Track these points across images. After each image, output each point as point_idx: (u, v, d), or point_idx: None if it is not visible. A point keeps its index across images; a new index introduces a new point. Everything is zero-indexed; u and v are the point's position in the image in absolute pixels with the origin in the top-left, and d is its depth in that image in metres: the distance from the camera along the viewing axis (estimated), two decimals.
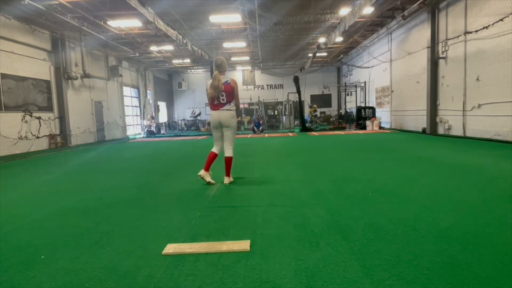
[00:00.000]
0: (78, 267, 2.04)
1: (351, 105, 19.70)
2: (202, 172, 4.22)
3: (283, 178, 4.69)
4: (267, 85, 25.92)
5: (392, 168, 5.25)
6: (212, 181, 4.25)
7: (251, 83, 25.07)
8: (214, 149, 4.32)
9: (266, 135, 15.18)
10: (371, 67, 17.79)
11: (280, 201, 3.44)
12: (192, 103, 25.37)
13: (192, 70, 24.99)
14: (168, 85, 26.01)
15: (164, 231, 2.63)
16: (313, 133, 15.27)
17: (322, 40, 15.53)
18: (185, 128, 21.19)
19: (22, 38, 10.44)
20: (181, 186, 4.33)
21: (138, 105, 20.35)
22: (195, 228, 2.67)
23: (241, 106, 24.92)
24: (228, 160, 4.24)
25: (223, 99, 4.14)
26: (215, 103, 4.17)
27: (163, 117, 24.03)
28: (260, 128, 16.79)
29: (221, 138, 4.31)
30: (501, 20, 8.12)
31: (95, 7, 10.47)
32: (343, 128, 17.22)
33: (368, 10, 11.02)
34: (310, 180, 4.45)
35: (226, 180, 4.26)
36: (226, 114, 4.16)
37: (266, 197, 3.60)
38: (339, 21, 12.62)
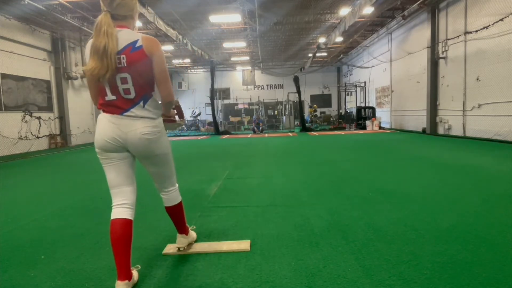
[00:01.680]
0: (78, 267, 2.04)
1: (351, 105, 19.69)
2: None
3: (283, 178, 4.69)
4: (267, 85, 25.91)
5: (392, 168, 5.25)
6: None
7: (251, 83, 25.05)
8: (119, 211, 1.88)
9: (266, 135, 15.18)
10: (371, 67, 17.79)
11: (280, 201, 3.44)
12: (192, 103, 25.35)
13: (192, 70, 24.98)
14: None
15: (164, 231, 2.63)
16: (313, 133, 15.27)
17: (322, 40, 15.53)
18: (185, 128, 21.19)
19: (22, 38, 10.44)
20: (181, 186, 4.32)
21: None
22: (195, 228, 2.67)
23: (241, 106, 24.91)
24: (176, 209, 2.12)
25: (127, 90, 1.72)
26: (106, 100, 1.75)
27: None
28: (260, 128, 16.80)
29: (127, 175, 1.88)
30: (501, 20, 8.12)
31: (95, 7, 10.46)
32: (343, 128, 17.23)
33: (368, 10, 11.01)
34: (310, 180, 4.44)
35: (181, 240, 2.20)
36: (138, 129, 1.75)
37: (266, 197, 3.60)
38: (339, 21, 12.62)
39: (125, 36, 1.70)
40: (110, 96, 1.73)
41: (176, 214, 2.13)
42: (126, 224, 1.81)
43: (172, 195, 2.07)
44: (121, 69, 1.68)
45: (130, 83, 1.70)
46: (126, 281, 1.69)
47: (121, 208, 1.85)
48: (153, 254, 2.20)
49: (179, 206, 2.11)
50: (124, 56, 1.68)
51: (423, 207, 3.01)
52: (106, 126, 1.73)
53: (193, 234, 2.33)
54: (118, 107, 1.72)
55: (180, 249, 2.20)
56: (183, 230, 2.19)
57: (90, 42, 1.73)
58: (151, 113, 1.78)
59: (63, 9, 9.98)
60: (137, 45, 1.69)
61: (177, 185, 2.13)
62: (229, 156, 7.58)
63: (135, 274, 1.82)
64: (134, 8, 1.82)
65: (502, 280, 1.71)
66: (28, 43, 10.73)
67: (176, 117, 2.13)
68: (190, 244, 2.26)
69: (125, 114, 1.72)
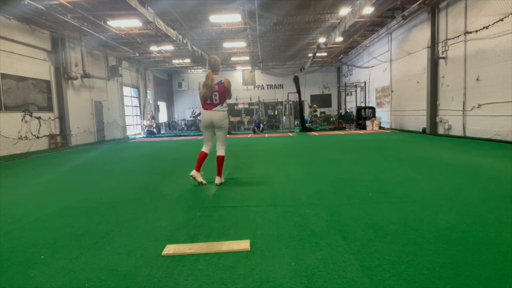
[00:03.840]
0: (78, 267, 2.04)
1: (351, 105, 19.70)
2: (193, 172, 4.18)
3: (283, 178, 4.69)
4: (267, 85, 25.92)
5: (392, 168, 5.25)
6: (203, 181, 4.21)
7: (251, 83, 25.06)
8: (204, 149, 4.28)
9: (266, 135, 15.18)
10: (371, 67, 17.79)
11: (280, 201, 3.44)
12: (192, 103, 25.38)
13: (192, 70, 24.99)
14: (168, 85, 26.01)
15: (164, 231, 2.63)
16: (313, 133, 15.27)
17: (322, 40, 15.53)
18: (185, 128, 21.19)
19: (22, 38, 10.44)
20: (181, 186, 4.33)
21: (138, 105, 20.35)
22: (195, 228, 2.67)
23: (241, 106, 25.07)
24: (221, 160, 4.24)
25: (216, 99, 4.13)
26: (207, 103, 4.15)
27: (163, 117, 24.04)
28: (260, 128, 16.80)
29: (212, 137, 4.31)
30: (501, 20, 8.12)
31: (95, 7, 10.47)
32: (343, 128, 17.23)
33: (368, 10, 11.01)
34: (310, 180, 4.45)
35: (217, 180, 4.23)
36: (219, 114, 4.16)
37: (266, 197, 3.60)
38: (339, 21, 12.62)
39: (217, 79, 4.19)
40: (208, 102, 4.19)
41: (220, 162, 4.26)
42: (204, 154, 4.29)
43: (222, 150, 4.29)
44: (214, 91, 4.15)
45: (218, 96, 4.17)
46: (194, 171, 4.21)
47: (205, 147, 4.33)
48: (153, 254, 2.20)
49: (223, 158, 4.28)
50: (216, 86, 4.15)
51: (423, 207, 3.01)
52: (207, 114, 4.19)
53: (222, 179, 4.31)
54: (211, 105, 4.19)
55: (217, 184, 4.20)
56: (220, 174, 4.29)
57: (202, 80, 4.16)
58: (224, 108, 4.24)
59: (63, 9, 9.99)
60: (222, 81, 4.20)
61: (225, 148, 4.32)
62: (229, 156, 7.55)
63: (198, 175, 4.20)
64: (220, 66, 4.33)
65: (502, 280, 1.71)
66: (28, 43, 10.73)
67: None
68: (221, 183, 4.24)
69: (213, 109, 4.19)
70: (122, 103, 17.49)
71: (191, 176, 4.18)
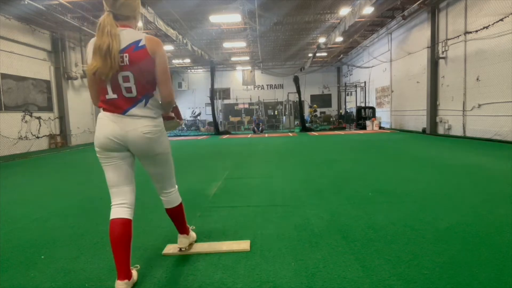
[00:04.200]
0: (78, 267, 2.04)
1: (351, 105, 19.69)
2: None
3: (283, 178, 4.69)
4: (267, 85, 25.90)
5: (392, 168, 5.25)
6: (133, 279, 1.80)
7: (251, 83, 25.05)
8: (119, 211, 1.85)
9: (266, 135, 15.18)
10: (371, 67, 17.79)
11: (280, 201, 3.44)
12: (192, 103, 25.35)
13: (192, 70, 24.98)
14: None
15: (164, 231, 2.63)
16: (313, 133, 15.27)
17: (322, 40, 15.52)
18: (185, 128, 21.19)
19: (22, 38, 10.44)
20: (181, 186, 4.31)
21: None
22: (195, 228, 2.67)
23: (241, 106, 24.90)
24: (177, 211, 2.10)
25: (128, 89, 1.71)
26: (107, 98, 1.73)
27: None
28: (260, 128, 16.81)
29: (128, 177, 1.88)
30: (501, 20, 8.12)
31: (95, 7, 10.46)
32: (343, 128, 17.23)
33: (368, 10, 11.01)
34: (310, 180, 4.44)
35: (183, 240, 2.20)
36: (139, 127, 1.73)
37: (266, 197, 3.60)
38: (339, 21, 12.62)
39: (128, 36, 1.69)
40: (111, 95, 1.70)
41: (177, 216, 2.11)
42: (125, 223, 1.79)
43: (172, 197, 2.04)
44: (124, 68, 1.66)
45: (132, 81, 1.69)
46: (126, 281, 1.68)
47: (120, 208, 1.83)
48: (153, 254, 2.20)
49: (179, 207, 2.09)
50: (127, 54, 1.66)
51: (423, 207, 3.01)
52: (107, 125, 1.71)
53: (193, 234, 2.32)
54: (119, 106, 1.71)
55: (182, 249, 2.20)
56: (184, 231, 2.18)
57: (92, 41, 1.71)
58: (152, 112, 1.77)
59: (63, 9, 9.98)
60: (140, 44, 1.68)
61: (176, 186, 2.10)
62: (229, 156, 7.58)
63: (134, 273, 1.82)
64: (137, 8, 1.82)
65: (502, 280, 1.71)
66: (28, 43, 10.72)
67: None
68: (190, 244, 2.26)
69: (126, 114, 1.71)
70: None
71: None
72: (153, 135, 1.77)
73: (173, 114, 2.04)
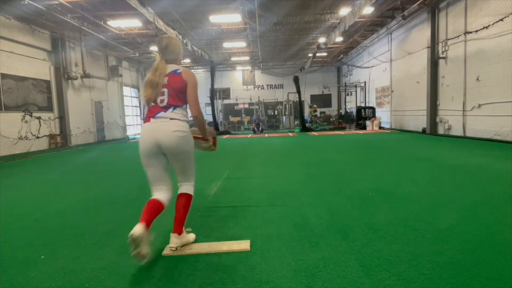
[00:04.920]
0: (78, 267, 2.04)
1: (351, 105, 19.69)
2: (137, 230, 1.95)
3: (283, 178, 4.69)
4: (267, 85, 25.90)
5: (392, 168, 5.24)
6: (145, 252, 1.99)
7: (251, 83, 25.05)
8: (157, 195, 2.25)
9: (266, 135, 15.18)
10: (371, 67, 17.79)
11: (280, 201, 3.44)
12: None
13: (192, 70, 24.89)
14: None
15: (164, 232, 2.62)
16: (313, 133, 15.27)
17: (322, 40, 15.52)
18: None
19: (22, 38, 10.44)
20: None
21: (138, 105, 20.36)
22: (195, 228, 2.67)
23: (241, 106, 24.92)
24: (184, 202, 2.29)
25: (162, 101, 2.22)
26: (151, 106, 2.27)
27: None
28: (260, 128, 16.81)
29: (163, 173, 2.28)
30: (501, 20, 8.12)
31: (95, 7, 10.47)
32: (343, 128, 17.23)
33: (368, 10, 11.01)
34: (310, 180, 4.44)
35: (174, 240, 2.24)
36: (169, 128, 2.18)
37: (266, 197, 3.60)
38: (339, 21, 12.61)
39: (171, 68, 2.30)
40: (151, 104, 2.26)
41: (180, 207, 2.27)
42: (156, 204, 2.21)
43: (186, 186, 2.34)
44: (163, 87, 2.24)
45: (166, 96, 2.23)
46: (143, 228, 1.98)
47: (156, 192, 2.28)
48: (153, 254, 2.19)
49: (186, 197, 2.30)
50: (167, 77, 2.26)
51: (423, 207, 3.01)
52: (147, 129, 2.23)
53: (188, 237, 2.37)
54: (153, 111, 2.24)
55: (172, 248, 2.22)
56: (178, 229, 2.24)
57: (148, 76, 2.28)
58: (180, 115, 2.24)
59: (63, 9, 9.99)
60: (178, 71, 2.28)
61: (193, 183, 2.39)
62: (229, 156, 7.58)
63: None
64: (179, 54, 2.41)
65: (502, 280, 1.71)
66: (28, 43, 10.72)
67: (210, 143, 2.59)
68: (185, 246, 2.29)
69: (158, 117, 2.21)
70: (122, 103, 17.49)
71: (131, 237, 1.93)
72: (178, 135, 2.21)
73: (211, 138, 2.59)
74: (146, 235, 2.00)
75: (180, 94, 2.25)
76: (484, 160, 5.65)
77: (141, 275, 1.90)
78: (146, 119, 2.26)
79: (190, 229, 2.53)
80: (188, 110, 2.30)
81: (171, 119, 2.20)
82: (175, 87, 2.24)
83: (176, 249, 2.23)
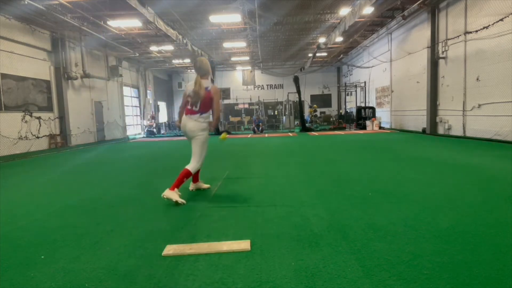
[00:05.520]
0: (78, 267, 2.04)
1: (351, 105, 19.70)
2: (165, 192, 3.42)
3: (283, 178, 4.69)
4: (267, 85, 25.91)
5: (392, 168, 5.25)
6: (181, 201, 3.39)
7: (251, 83, 25.06)
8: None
9: (266, 135, 15.18)
10: (371, 67, 17.79)
11: (280, 201, 3.44)
12: None
13: (192, 70, 24.97)
14: (168, 85, 26.02)
15: (164, 231, 2.63)
16: (313, 133, 15.27)
17: (322, 40, 15.52)
18: None
19: (22, 38, 10.44)
20: (181, 186, 4.32)
21: (138, 105, 20.35)
22: (195, 228, 2.67)
23: (241, 106, 25.02)
24: (183, 173, 3.47)
25: (195, 108, 3.58)
26: (188, 108, 3.64)
27: (163, 117, 24.03)
28: (260, 128, 16.81)
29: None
30: (501, 20, 8.12)
31: (95, 7, 10.47)
32: (343, 128, 17.23)
33: (368, 10, 11.01)
34: (310, 180, 4.44)
35: (167, 192, 3.39)
36: (192, 124, 3.57)
37: (266, 197, 3.60)
38: (339, 21, 12.62)
39: (205, 84, 3.58)
40: (189, 107, 3.63)
41: (181, 175, 3.48)
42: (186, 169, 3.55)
43: (191, 164, 3.58)
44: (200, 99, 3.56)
45: (199, 105, 3.56)
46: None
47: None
48: (153, 254, 2.20)
49: (186, 172, 3.51)
50: (203, 93, 3.53)
51: (423, 207, 3.01)
52: (183, 121, 3.66)
53: (175, 194, 3.41)
54: (190, 113, 3.61)
55: (163, 196, 3.37)
56: (173, 187, 3.44)
57: (190, 85, 3.66)
58: (201, 119, 3.60)
59: (63, 9, 9.99)
60: (208, 88, 3.57)
61: (194, 164, 3.59)
62: (229, 156, 7.58)
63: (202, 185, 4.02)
64: (208, 70, 3.66)
65: (502, 280, 1.71)
66: (28, 43, 10.72)
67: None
68: (168, 198, 3.38)
69: (190, 116, 3.60)
70: (122, 103, 17.48)
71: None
72: (196, 128, 3.59)
73: (224, 130, 3.91)
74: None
75: (207, 104, 3.59)
76: (484, 160, 5.65)
77: (141, 275, 1.90)
78: (186, 113, 3.64)
79: (178, 196, 3.46)
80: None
81: (196, 120, 3.58)
82: (205, 100, 3.57)
83: (166, 198, 3.37)
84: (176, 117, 25.67)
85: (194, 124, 3.57)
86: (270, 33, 14.93)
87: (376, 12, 12.04)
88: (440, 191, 3.60)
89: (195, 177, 3.97)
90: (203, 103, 3.55)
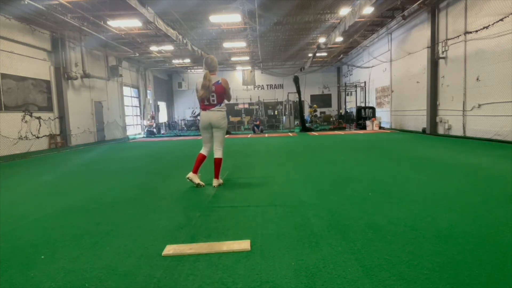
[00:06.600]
0: (78, 267, 2.04)
1: (351, 105, 19.70)
2: (190, 175, 4.15)
3: (283, 178, 4.69)
4: (267, 85, 25.91)
5: (392, 168, 5.25)
6: (201, 183, 4.16)
7: (251, 83, 25.06)
8: (203, 151, 4.25)
9: (266, 135, 15.18)
10: (371, 67, 17.79)
11: (280, 201, 3.44)
12: (192, 103, 25.35)
13: (192, 70, 24.99)
14: (168, 85, 26.02)
15: (164, 231, 2.63)
16: (313, 133, 15.27)
17: (322, 40, 15.53)
18: (185, 128, 21.18)
19: (22, 38, 10.44)
20: (181, 186, 4.33)
21: (138, 105, 20.35)
22: (195, 228, 2.67)
23: (241, 106, 25.03)
24: (218, 162, 4.15)
25: (213, 100, 4.07)
26: (205, 104, 4.10)
27: (163, 117, 24.04)
28: (260, 128, 16.80)
29: (210, 139, 4.25)
30: (501, 20, 8.12)
31: (95, 7, 10.47)
32: (343, 128, 17.22)
33: (368, 10, 11.01)
34: (310, 180, 4.45)
35: (215, 182, 4.17)
36: (217, 115, 4.09)
37: (266, 197, 3.60)
38: (339, 21, 12.62)
39: (214, 79, 4.10)
40: (205, 102, 4.12)
41: (217, 164, 4.17)
42: (202, 156, 4.24)
43: (219, 152, 4.20)
44: (212, 92, 4.08)
45: (215, 97, 4.10)
46: (195, 174, 4.18)
47: (203, 149, 4.28)
48: (153, 254, 2.20)
49: (220, 160, 4.18)
50: (214, 86, 4.07)
51: (423, 207, 3.01)
52: (205, 115, 4.15)
53: (221, 181, 4.28)
54: (207, 107, 4.13)
55: (214, 186, 4.13)
56: (217, 176, 4.19)
57: (200, 81, 4.10)
58: (222, 108, 4.17)
59: (63, 9, 9.98)
60: (219, 82, 4.11)
61: (222, 150, 4.23)
62: (229, 156, 7.58)
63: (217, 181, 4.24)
64: (216, 66, 4.17)
65: (502, 280, 1.71)
66: (28, 43, 10.72)
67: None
68: (219, 185, 4.19)
69: (212, 109, 4.13)
70: (122, 103, 17.48)
71: (188, 178, 4.14)
72: (221, 117, 4.15)
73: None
74: (195, 176, 4.15)
75: (222, 96, 4.14)
76: (484, 160, 5.65)
77: (141, 275, 1.90)
78: (203, 108, 4.14)
79: (222, 182, 4.31)
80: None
81: (218, 110, 4.12)
82: (219, 92, 4.10)
83: (218, 186, 4.15)
84: (176, 117, 25.68)
85: (218, 114, 4.10)
86: (270, 33, 14.93)
87: (376, 12, 12.04)
88: (440, 191, 3.60)
89: (197, 167, 4.19)
90: (218, 95, 4.07)
